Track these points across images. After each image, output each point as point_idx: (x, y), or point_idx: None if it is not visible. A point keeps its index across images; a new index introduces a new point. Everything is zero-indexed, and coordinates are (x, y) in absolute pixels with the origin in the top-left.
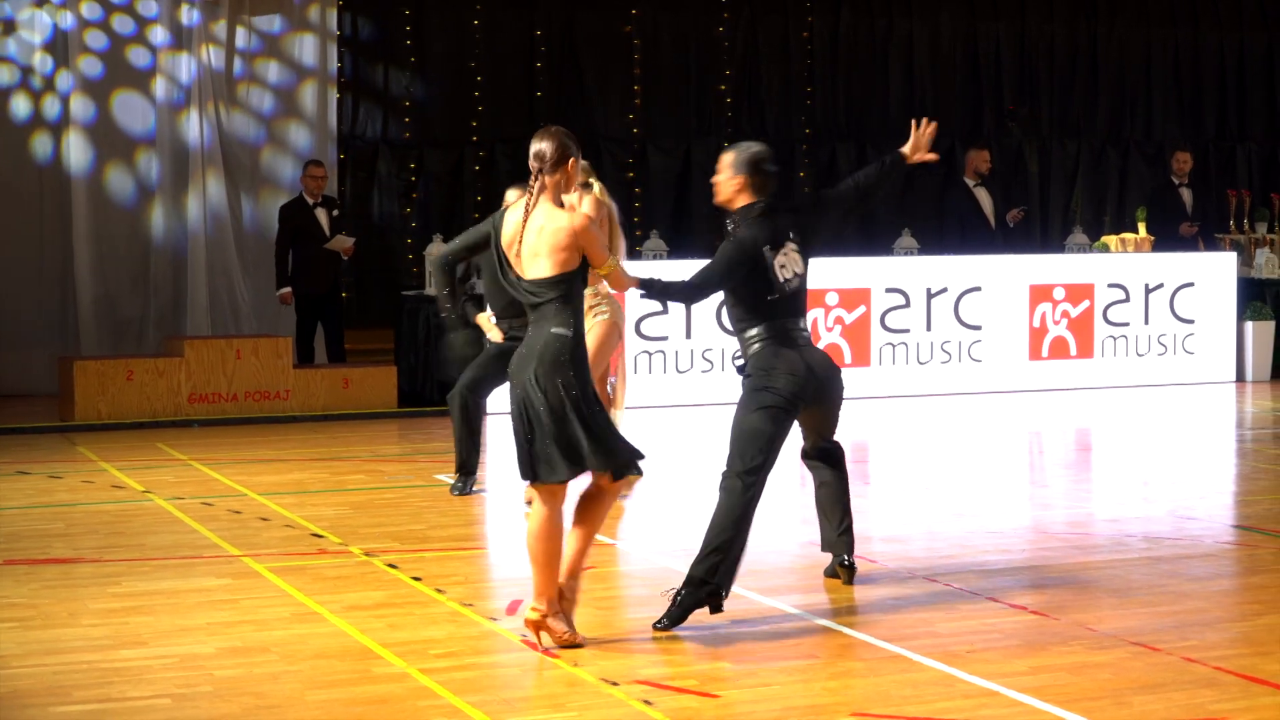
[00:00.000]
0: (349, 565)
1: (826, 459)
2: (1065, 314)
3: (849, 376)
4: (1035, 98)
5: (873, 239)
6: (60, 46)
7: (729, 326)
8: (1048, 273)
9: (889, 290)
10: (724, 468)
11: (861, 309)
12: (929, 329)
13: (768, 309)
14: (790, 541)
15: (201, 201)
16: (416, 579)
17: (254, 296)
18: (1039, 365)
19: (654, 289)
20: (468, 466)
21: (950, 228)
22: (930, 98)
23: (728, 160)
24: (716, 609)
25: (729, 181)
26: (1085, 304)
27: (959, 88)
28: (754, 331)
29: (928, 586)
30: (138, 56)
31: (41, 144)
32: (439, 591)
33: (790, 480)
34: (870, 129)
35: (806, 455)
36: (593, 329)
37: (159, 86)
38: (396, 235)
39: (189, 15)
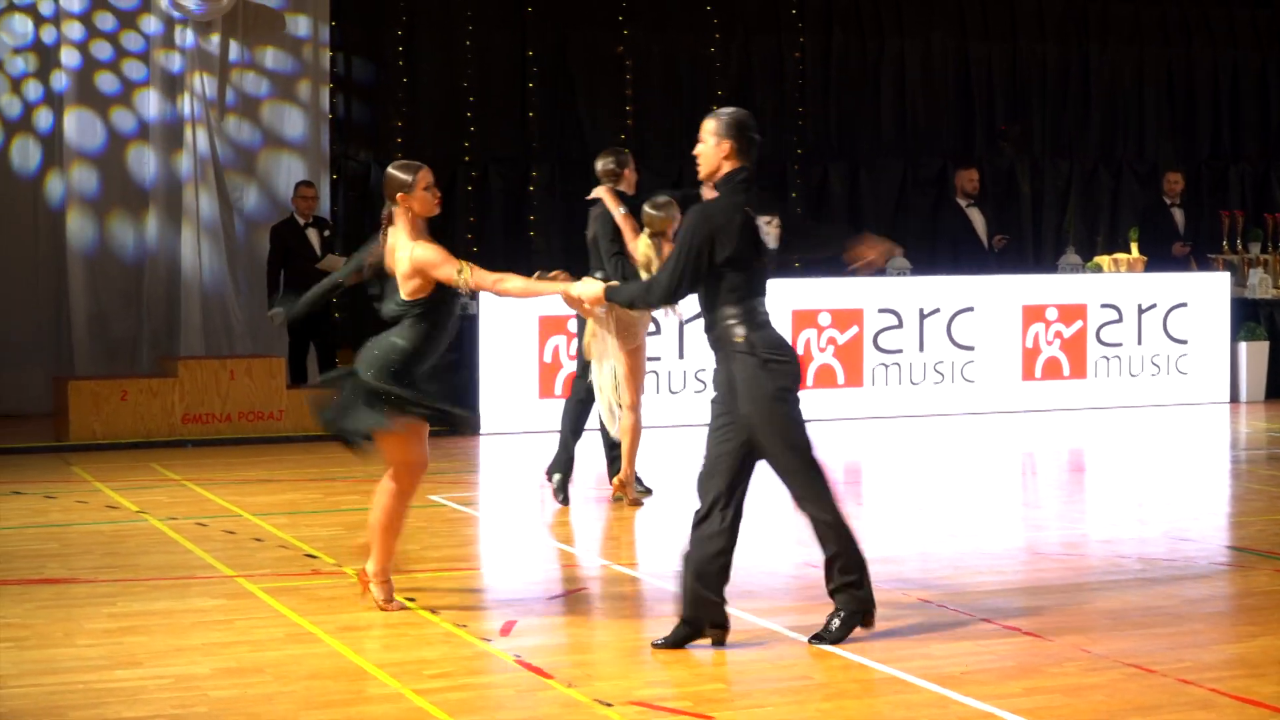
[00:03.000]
0: (343, 586)
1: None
2: (1058, 334)
3: (842, 398)
4: (1027, 117)
5: None
6: (47, 63)
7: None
8: (1041, 293)
9: (881, 310)
10: (807, 505)
11: (854, 329)
12: (921, 349)
13: (751, 281)
14: (785, 563)
15: (195, 221)
16: (410, 599)
17: (247, 317)
18: (1032, 386)
19: (621, 295)
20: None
21: (943, 248)
22: (922, 117)
23: (710, 127)
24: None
25: (716, 148)
26: (1078, 324)
27: (950, 107)
28: (734, 310)
29: (922, 608)
30: (131, 73)
31: (34, 163)
32: (432, 612)
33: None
34: (862, 149)
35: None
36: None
37: (152, 105)
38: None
39: (182, 36)
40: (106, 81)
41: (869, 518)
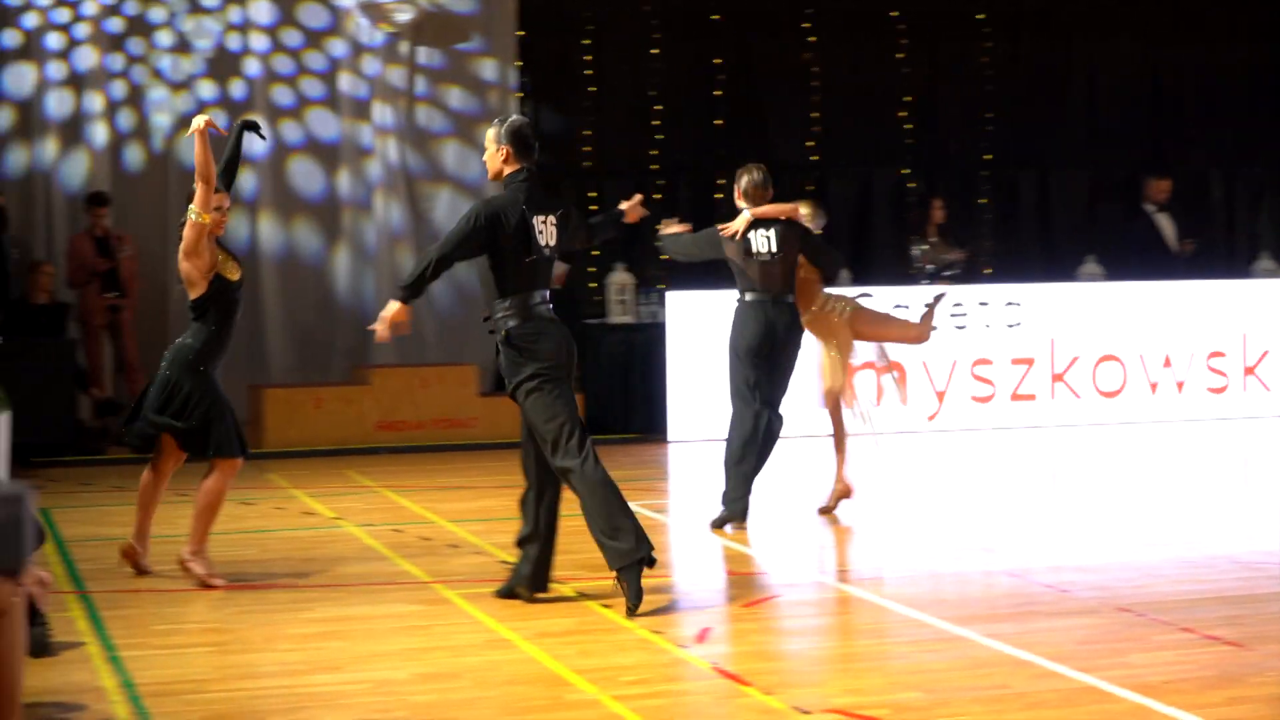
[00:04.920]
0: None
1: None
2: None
3: (1054, 407)
4: (1218, 121)
5: (1056, 266)
6: (227, 68)
7: None
8: (1234, 298)
9: (1077, 316)
10: (559, 460)
11: (1049, 337)
12: (1113, 356)
13: (524, 273)
14: (975, 569)
15: (386, 229)
16: (606, 606)
17: (440, 324)
18: (1226, 395)
19: (410, 288)
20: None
21: (1132, 253)
22: (1111, 123)
23: (490, 134)
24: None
25: (497, 153)
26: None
27: (1140, 113)
28: (506, 302)
29: (1120, 616)
30: (316, 65)
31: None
32: (629, 619)
33: (969, 506)
34: (1052, 155)
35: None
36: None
37: (341, 107)
38: (578, 264)
39: (370, 34)
40: (297, 87)
41: (1064, 525)
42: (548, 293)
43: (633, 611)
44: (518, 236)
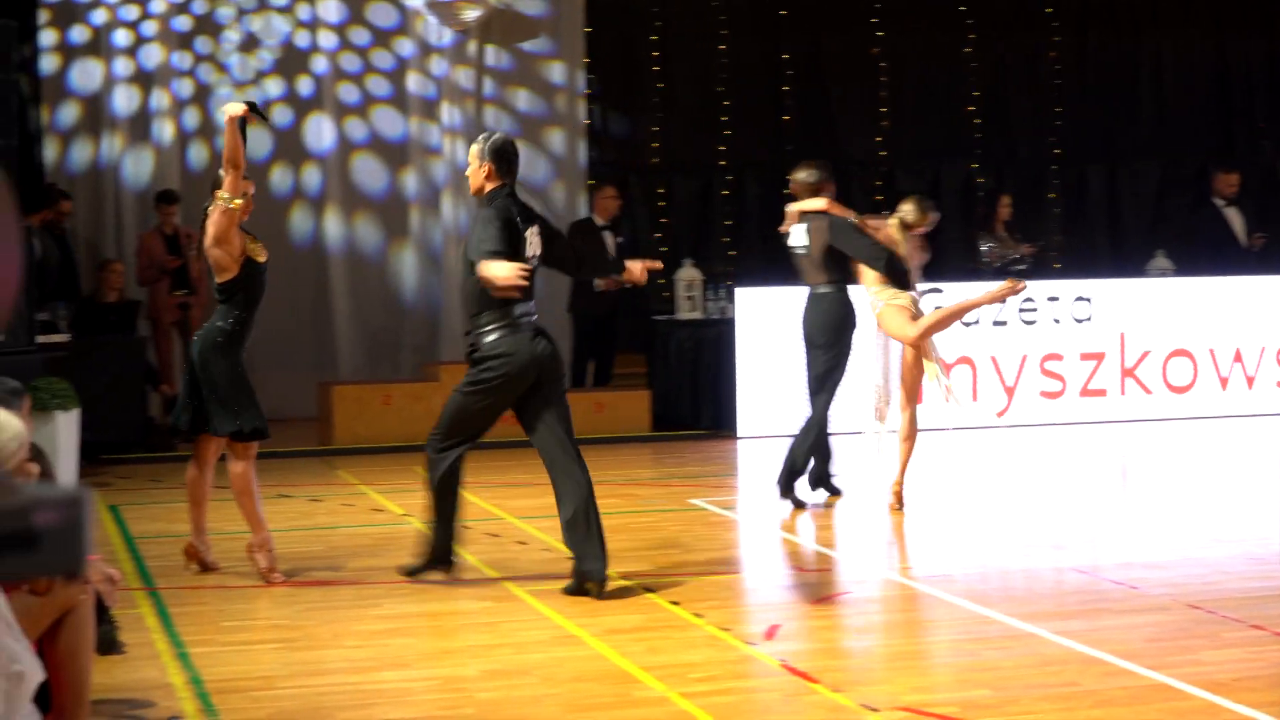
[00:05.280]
0: (607, 589)
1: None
2: None
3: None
4: None
5: (1126, 261)
6: (295, 65)
7: None
8: None
9: (1147, 311)
10: (434, 445)
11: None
12: (1185, 351)
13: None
14: (1045, 566)
15: (453, 229)
16: (674, 603)
17: None
18: None
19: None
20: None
21: (1201, 247)
22: (1180, 116)
23: (474, 151)
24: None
25: (478, 170)
26: None
27: (1209, 105)
28: (495, 312)
29: (1189, 613)
30: (384, 64)
31: (263, 153)
32: (697, 615)
33: (1038, 502)
34: (1121, 149)
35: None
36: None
37: (408, 106)
38: (646, 259)
39: (438, 34)
40: (363, 83)
41: (1133, 522)
42: (533, 304)
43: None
44: (512, 248)
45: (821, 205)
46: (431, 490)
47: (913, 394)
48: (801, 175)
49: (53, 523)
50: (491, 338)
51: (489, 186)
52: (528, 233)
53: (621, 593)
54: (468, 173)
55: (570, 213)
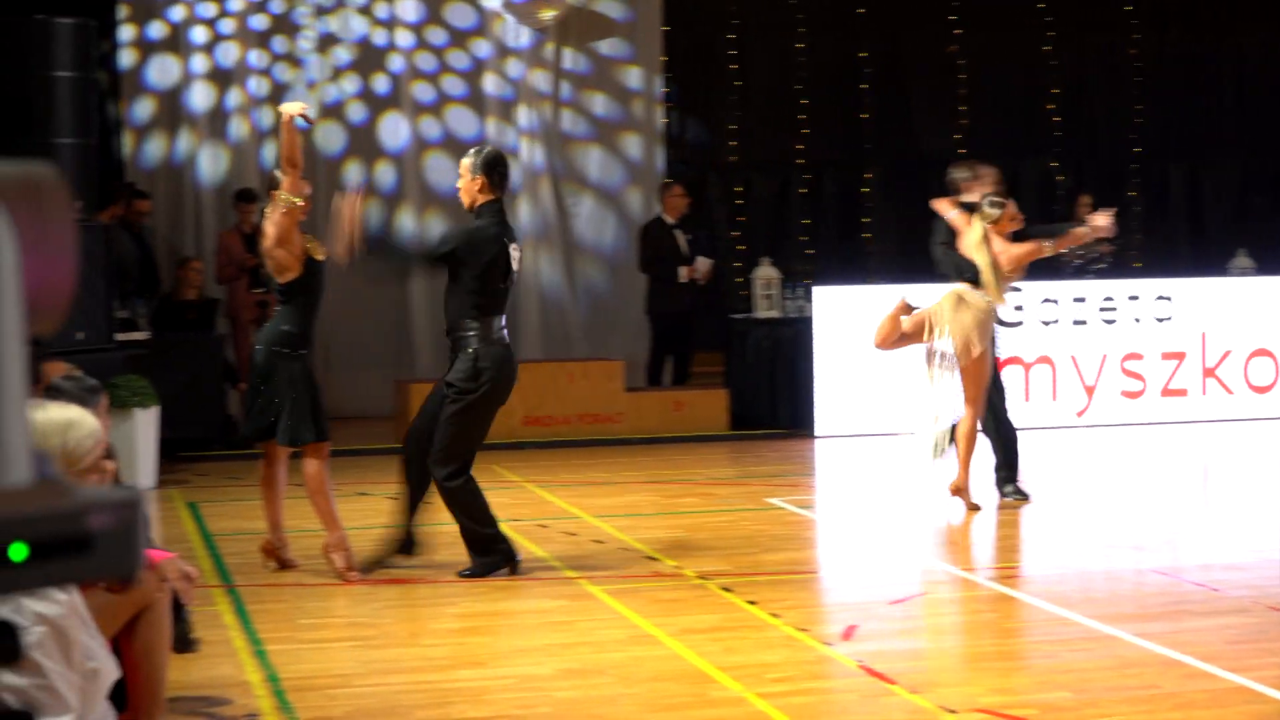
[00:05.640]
0: (684, 588)
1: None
2: None
3: (1205, 402)
4: None
5: (1207, 259)
6: (371, 63)
7: None
8: None
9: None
10: (440, 469)
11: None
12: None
13: (498, 299)
14: (1125, 567)
15: (528, 231)
16: (751, 603)
17: (585, 320)
18: None
19: (381, 248)
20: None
21: None
22: (1262, 113)
23: (466, 164)
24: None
25: (472, 182)
26: None
27: None
28: (477, 324)
29: (1270, 616)
30: (460, 64)
31: (337, 148)
32: (774, 616)
33: (1119, 503)
34: (1202, 147)
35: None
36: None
37: (484, 107)
38: (724, 258)
39: (516, 35)
40: (422, 90)
41: (1214, 523)
42: (504, 318)
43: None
44: (499, 263)
45: (939, 206)
46: (466, 515)
47: (976, 391)
48: (951, 173)
49: (107, 526)
50: (473, 348)
51: (481, 199)
52: (511, 248)
53: (698, 592)
54: (459, 184)
55: (646, 219)
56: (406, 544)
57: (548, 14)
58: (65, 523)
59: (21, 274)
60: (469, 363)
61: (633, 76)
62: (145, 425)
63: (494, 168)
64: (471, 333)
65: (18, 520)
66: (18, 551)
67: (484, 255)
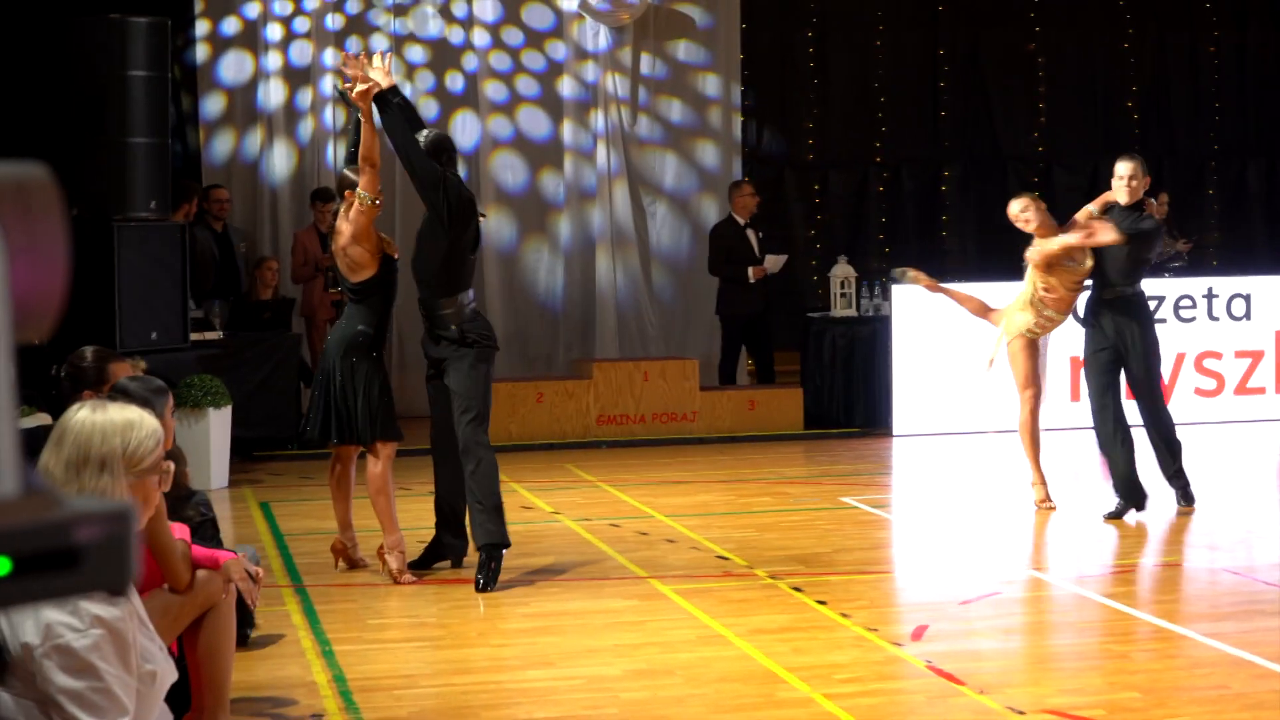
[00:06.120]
0: (754, 588)
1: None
2: None
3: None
4: None
5: None
6: (445, 60)
7: None
8: None
9: None
10: (476, 434)
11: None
12: None
13: (469, 270)
14: (1197, 567)
15: (607, 224)
16: (821, 603)
17: (660, 319)
18: None
19: (394, 106)
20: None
21: None
22: None
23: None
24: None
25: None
26: None
27: None
28: (456, 297)
29: None
30: (534, 65)
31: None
32: (844, 616)
33: (1196, 501)
34: None
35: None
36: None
37: (559, 109)
38: (801, 256)
39: (594, 38)
40: (495, 90)
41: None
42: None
43: (482, 588)
44: (473, 233)
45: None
46: (494, 473)
47: (1029, 384)
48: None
49: (95, 539)
50: (471, 309)
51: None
52: (481, 221)
53: (769, 592)
54: None
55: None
56: (453, 552)
57: (626, 12)
58: (50, 536)
59: (9, 279)
60: (476, 330)
61: (710, 84)
62: (218, 425)
63: (439, 149)
64: (463, 303)
65: (0, 534)
66: (0, 566)
67: (470, 213)
